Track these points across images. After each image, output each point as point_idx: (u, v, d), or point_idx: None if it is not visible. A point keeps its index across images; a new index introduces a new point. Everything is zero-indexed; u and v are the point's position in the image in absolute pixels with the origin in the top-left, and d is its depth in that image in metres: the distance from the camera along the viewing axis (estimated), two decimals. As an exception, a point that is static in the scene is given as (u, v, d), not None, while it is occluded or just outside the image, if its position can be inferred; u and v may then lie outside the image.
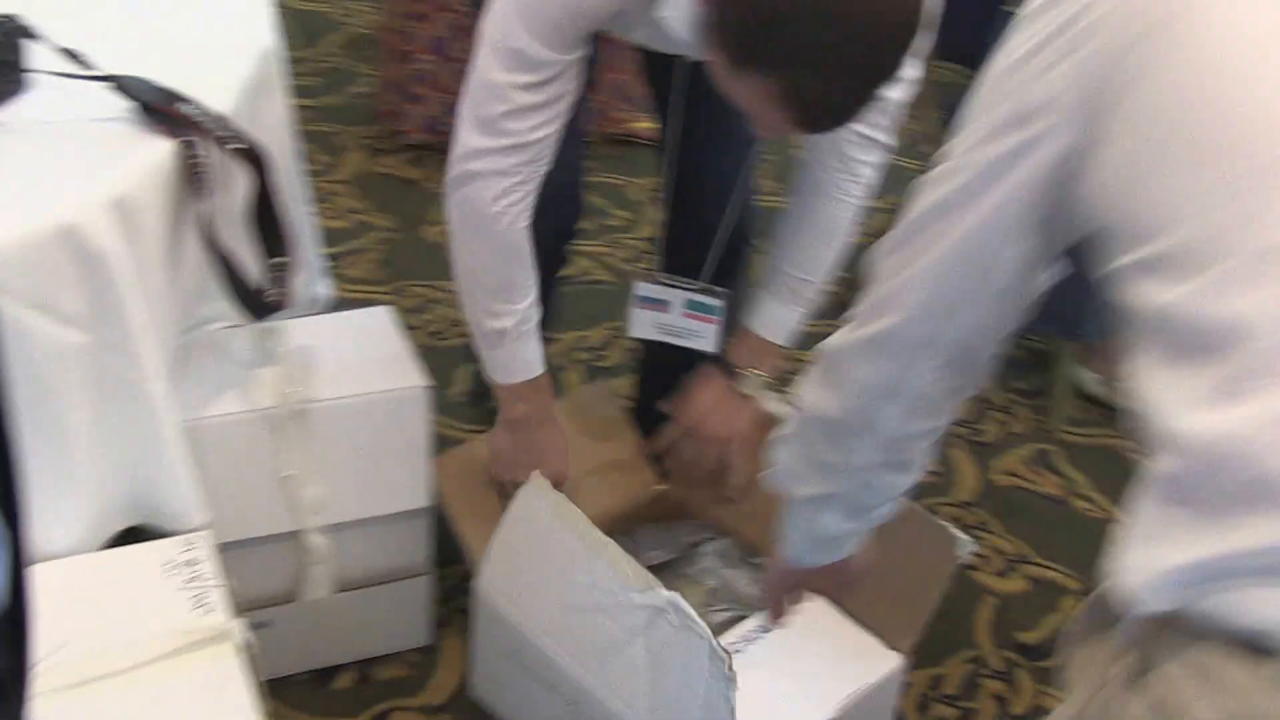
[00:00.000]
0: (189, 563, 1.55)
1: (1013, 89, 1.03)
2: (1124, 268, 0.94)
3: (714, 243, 2.03)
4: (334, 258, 2.89)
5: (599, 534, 1.75)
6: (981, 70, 1.09)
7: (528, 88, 1.65)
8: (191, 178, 1.62)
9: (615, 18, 1.65)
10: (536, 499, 1.81)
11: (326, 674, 2.06)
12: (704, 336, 2.05)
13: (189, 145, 1.61)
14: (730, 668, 1.58)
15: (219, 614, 1.46)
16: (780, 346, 2.02)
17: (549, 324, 2.02)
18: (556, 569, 1.78)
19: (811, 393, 1.30)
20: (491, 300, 1.81)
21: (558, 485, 1.84)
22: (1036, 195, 1.03)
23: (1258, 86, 0.88)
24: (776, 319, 2.00)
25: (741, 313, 2.03)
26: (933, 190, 1.11)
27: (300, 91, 2.12)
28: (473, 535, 1.93)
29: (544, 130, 1.70)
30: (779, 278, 1.97)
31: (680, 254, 2.13)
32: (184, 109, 1.64)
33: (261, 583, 1.90)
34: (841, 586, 1.59)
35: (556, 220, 2.02)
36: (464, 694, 2.05)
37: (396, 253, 3.17)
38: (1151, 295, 0.91)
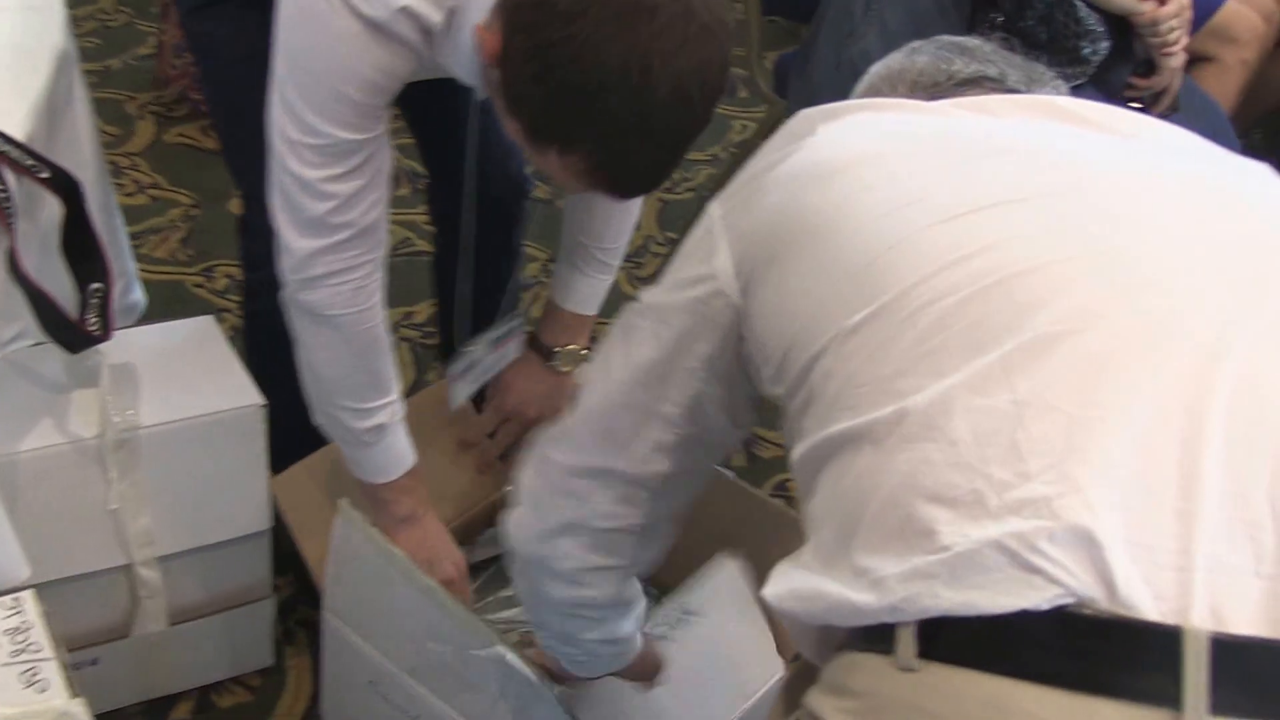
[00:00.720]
0: (15, 630, 1.39)
1: (692, 250, 1.14)
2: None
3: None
4: (133, 238, 2.68)
5: (424, 579, 1.63)
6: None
7: (345, 177, 1.49)
8: (-7, 208, 1.45)
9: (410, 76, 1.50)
10: (353, 536, 1.68)
11: (162, 704, 1.93)
12: (511, 352, 1.96)
13: (-13, 178, 1.44)
14: None
15: (56, 691, 1.32)
16: (592, 317, 1.98)
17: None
18: (395, 609, 1.67)
19: (513, 522, 1.31)
20: (360, 400, 1.66)
21: (454, 579, 1.79)
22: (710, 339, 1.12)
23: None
24: (585, 292, 1.93)
25: (551, 289, 1.98)
26: (623, 325, 1.19)
27: (80, 54, 1.92)
28: (317, 558, 1.80)
29: (375, 211, 1.54)
30: (580, 250, 1.90)
31: (449, 214, 2.06)
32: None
33: (89, 619, 1.77)
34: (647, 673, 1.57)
35: None
36: (314, 717, 1.94)
37: (200, 230, 2.98)
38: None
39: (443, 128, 1.95)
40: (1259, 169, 1.06)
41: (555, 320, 1.95)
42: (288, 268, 1.56)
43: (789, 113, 2.57)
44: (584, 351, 2.00)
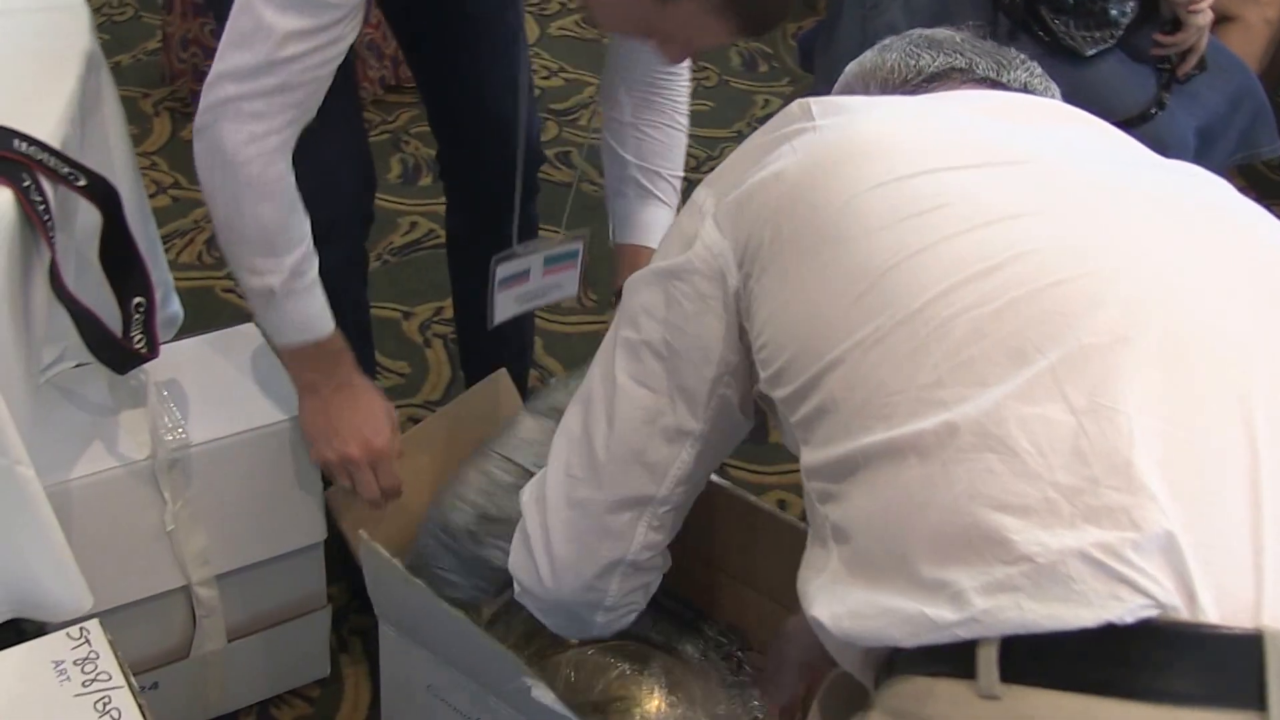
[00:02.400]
0: (83, 660, 1.37)
1: (680, 235, 1.16)
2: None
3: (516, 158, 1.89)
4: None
5: (448, 609, 1.58)
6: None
7: (305, 34, 1.44)
8: (34, 225, 1.42)
9: None
10: (380, 569, 1.64)
11: (222, 723, 1.92)
12: (565, 286, 1.88)
13: (26, 191, 1.41)
14: None
15: (130, 721, 1.31)
16: None
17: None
18: (438, 632, 1.65)
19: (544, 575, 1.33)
20: (252, 255, 1.57)
21: (378, 461, 1.68)
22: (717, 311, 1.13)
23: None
24: (652, 223, 1.83)
25: (617, 232, 1.87)
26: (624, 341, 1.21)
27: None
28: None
29: (317, 72, 1.48)
30: (638, 180, 1.82)
31: (466, 179, 2.03)
32: (17, 147, 1.44)
33: (149, 643, 1.74)
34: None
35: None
36: (375, 725, 1.93)
37: (224, 230, 2.94)
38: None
39: (460, 90, 1.92)
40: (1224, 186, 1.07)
41: (630, 262, 1.80)
42: (205, 99, 1.51)
43: (815, 88, 2.56)
44: None
